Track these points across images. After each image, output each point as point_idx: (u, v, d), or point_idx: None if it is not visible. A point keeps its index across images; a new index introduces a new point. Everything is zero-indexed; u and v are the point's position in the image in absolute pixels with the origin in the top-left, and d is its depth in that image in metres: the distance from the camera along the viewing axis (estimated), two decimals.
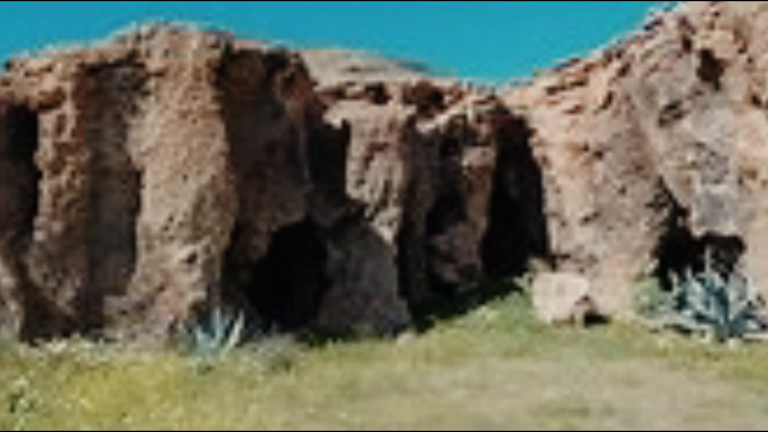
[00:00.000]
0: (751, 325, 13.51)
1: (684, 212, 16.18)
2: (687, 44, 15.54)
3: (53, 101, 13.51)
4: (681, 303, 14.72)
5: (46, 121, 13.47)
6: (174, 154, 13.56)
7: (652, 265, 16.92)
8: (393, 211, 17.72)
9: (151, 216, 13.50)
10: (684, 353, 12.45)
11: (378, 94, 20.23)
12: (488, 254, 20.62)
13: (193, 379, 10.55)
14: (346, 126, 17.96)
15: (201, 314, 13.06)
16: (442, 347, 13.55)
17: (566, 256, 19.58)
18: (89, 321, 13.22)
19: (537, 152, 20.66)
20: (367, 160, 17.87)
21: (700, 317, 14.08)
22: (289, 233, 15.89)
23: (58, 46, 14.16)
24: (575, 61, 20.80)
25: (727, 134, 14.75)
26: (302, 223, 15.96)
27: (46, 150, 13.40)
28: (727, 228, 14.79)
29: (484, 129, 20.28)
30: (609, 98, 18.67)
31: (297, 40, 17.71)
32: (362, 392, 10.09)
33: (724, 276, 14.38)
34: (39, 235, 13.25)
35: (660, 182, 16.75)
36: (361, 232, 17.38)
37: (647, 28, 17.45)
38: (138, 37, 14.06)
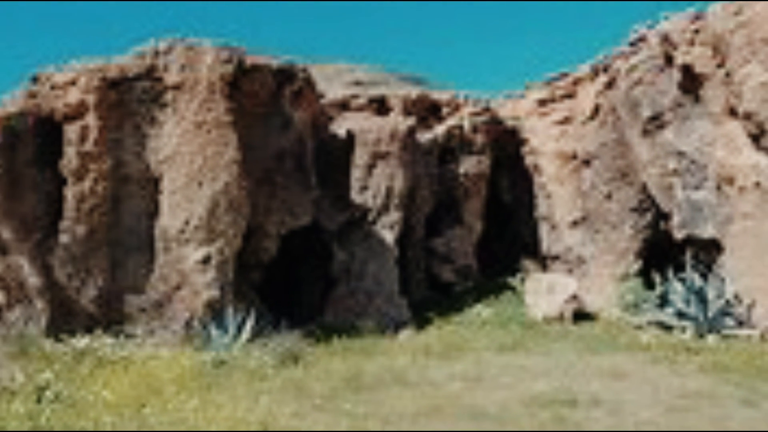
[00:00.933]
0: (729, 321, 13.51)
1: (666, 216, 16.18)
2: (669, 59, 15.56)
3: (77, 113, 13.52)
4: (663, 301, 14.73)
5: (71, 131, 13.49)
6: (190, 162, 13.58)
7: (636, 265, 16.91)
8: (394, 216, 17.72)
9: (169, 220, 13.52)
10: (666, 348, 12.46)
11: (380, 106, 20.23)
12: (483, 255, 20.61)
13: (207, 373, 10.57)
14: (350, 136, 17.96)
15: (215, 312, 13.06)
16: (440, 342, 13.55)
17: (556, 258, 19.57)
18: (111, 318, 13.23)
19: (529, 160, 20.65)
20: (370, 167, 17.87)
21: (681, 314, 14.08)
22: (298, 236, 15.90)
23: (81, 61, 14.16)
24: (564, 75, 20.80)
25: (706, 143, 14.77)
26: (309, 226, 15.96)
27: (70, 158, 13.42)
28: (707, 231, 14.79)
29: (479, 139, 20.28)
30: (596, 110, 18.67)
31: (305, 55, 17.68)
32: (365, 384, 10.10)
33: (704, 276, 14.39)
34: (64, 238, 13.27)
35: (644, 188, 16.75)
36: (364, 235, 17.38)
37: (632, 44, 17.46)
38: (156, 53, 14.07)
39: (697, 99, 14.95)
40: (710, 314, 13.57)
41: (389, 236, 17.52)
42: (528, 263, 20.06)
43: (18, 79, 15.15)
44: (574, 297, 16.29)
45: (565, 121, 19.93)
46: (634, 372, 10.81)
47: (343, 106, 20.09)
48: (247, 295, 14.56)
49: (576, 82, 20.20)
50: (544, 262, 20.05)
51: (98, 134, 13.46)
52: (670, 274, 14.84)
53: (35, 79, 14.31)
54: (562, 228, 19.36)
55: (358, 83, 23.13)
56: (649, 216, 17.05)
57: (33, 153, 13.59)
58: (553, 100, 20.78)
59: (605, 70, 18.51)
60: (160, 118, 13.91)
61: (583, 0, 67.59)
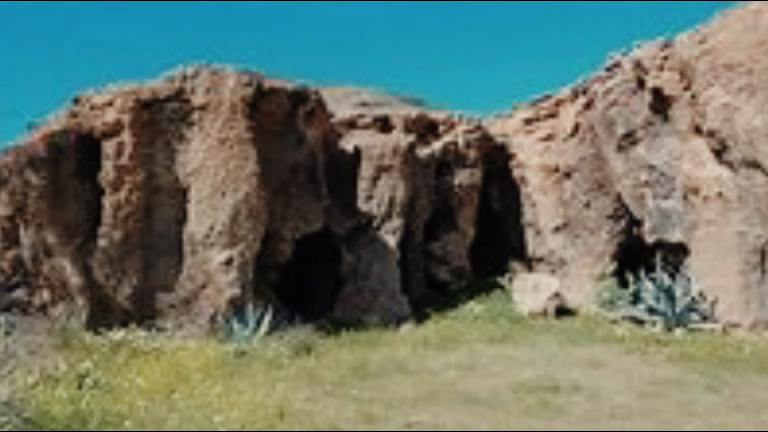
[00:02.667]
0: (694, 317, 13.52)
1: (638, 223, 16.20)
2: (641, 83, 15.60)
3: (113, 130, 13.57)
4: (636, 298, 14.73)
5: (108, 147, 13.53)
6: (214, 175, 13.62)
7: (612, 266, 16.93)
8: (396, 222, 17.74)
9: (195, 226, 13.55)
10: (638, 340, 12.48)
11: (384, 125, 20.25)
12: (476, 258, 20.59)
13: (230, 362, 10.57)
14: (357, 151, 18.00)
15: (236, 308, 13.07)
16: (437, 335, 13.55)
17: (540, 260, 19.57)
18: (144, 313, 13.25)
19: (516, 173, 20.67)
20: (375, 179, 17.89)
21: (651, 310, 14.09)
22: (310, 240, 15.91)
23: (117, 84, 14.18)
24: (548, 97, 20.81)
25: (674, 158, 14.80)
26: (321, 231, 15.97)
27: (107, 171, 13.47)
28: (674, 236, 14.81)
29: (472, 153, 20.29)
30: (576, 128, 18.70)
31: (316, 79, 17.72)
32: (371, 373, 10.12)
33: (672, 276, 14.41)
34: (102, 242, 13.32)
35: (618, 198, 16.77)
36: (369, 239, 17.39)
37: (608, 69, 17.50)
38: (184, 77, 14.11)
39: (666, 118, 14.99)
40: (678, 310, 13.58)
41: (392, 240, 17.54)
42: (515, 264, 20.05)
43: (61, 100, 15.16)
44: (557, 295, 16.29)
45: (549, 138, 19.95)
46: (609, 361, 10.82)
47: (351, 124, 20.11)
48: (265, 293, 14.57)
49: (558, 103, 20.22)
50: (529, 264, 20.04)
51: (132, 150, 13.51)
52: (642, 274, 14.85)
53: (76, 101, 14.37)
54: (546, 233, 19.37)
55: (363, 104, 23.13)
56: (623, 222, 17.06)
57: (74, 166, 13.65)
58: (537, 119, 20.81)
59: (584, 92, 18.55)
60: (187, 135, 13.95)
61: (565, 29, 67.68)
